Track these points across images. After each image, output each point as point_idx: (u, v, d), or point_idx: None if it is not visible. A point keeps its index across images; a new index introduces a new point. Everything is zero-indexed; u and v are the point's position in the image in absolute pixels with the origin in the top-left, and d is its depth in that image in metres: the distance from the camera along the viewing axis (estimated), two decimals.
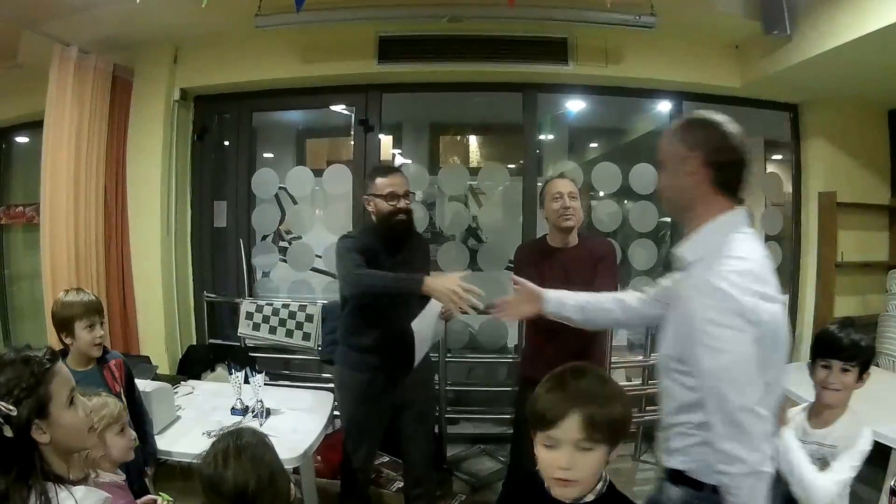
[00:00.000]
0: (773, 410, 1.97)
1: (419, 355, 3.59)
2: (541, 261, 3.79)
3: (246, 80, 5.67)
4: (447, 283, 3.08)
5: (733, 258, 1.94)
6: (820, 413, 2.69)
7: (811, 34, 4.66)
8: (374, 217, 3.60)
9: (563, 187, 3.76)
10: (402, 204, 3.54)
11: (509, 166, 6.31)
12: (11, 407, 1.72)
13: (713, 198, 2.07)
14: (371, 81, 5.73)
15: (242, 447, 2.03)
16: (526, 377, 3.74)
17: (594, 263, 3.74)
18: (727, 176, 2.06)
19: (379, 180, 3.55)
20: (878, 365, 5.04)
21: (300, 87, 5.83)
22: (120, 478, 2.54)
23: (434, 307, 3.52)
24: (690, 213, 2.13)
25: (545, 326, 3.06)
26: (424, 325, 3.54)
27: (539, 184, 4.94)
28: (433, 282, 3.14)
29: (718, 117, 2.11)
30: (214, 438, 2.14)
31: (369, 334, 3.57)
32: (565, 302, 2.72)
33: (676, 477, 2.13)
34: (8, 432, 1.72)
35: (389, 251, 3.57)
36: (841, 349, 2.64)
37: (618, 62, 5.51)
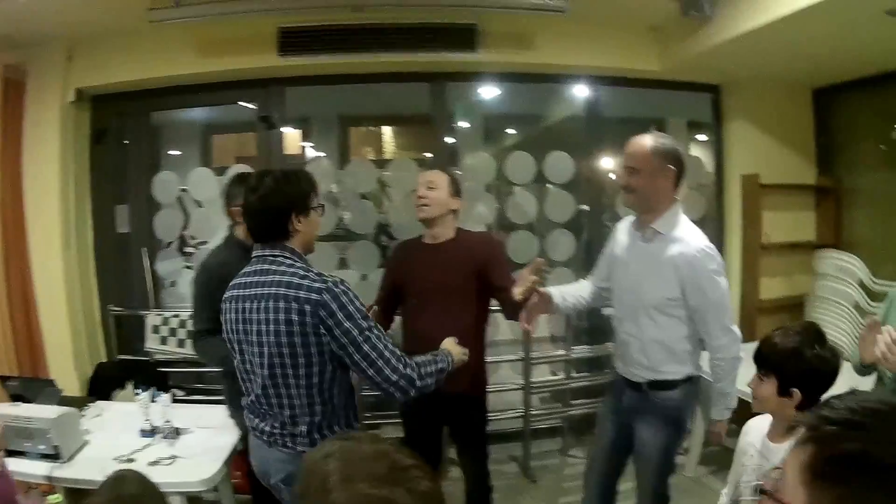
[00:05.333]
0: None
1: None
2: (411, 259, 4.04)
3: (142, 77, 5.82)
4: None
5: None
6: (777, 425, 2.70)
7: (731, 15, 4.97)
8: (241, 229, 3.89)
9: (422, 177, 4.00)
10: None
11: (426, 155, 6.62)
12: None
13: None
14: (273, 75, 5.94)
15: (124, 501, 2.09)
16: None
17: (471, 261, 3.87)
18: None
19: None
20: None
21: (199, 83, 5.98)
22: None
23: None
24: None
25: (420, 335, 3.66)
26: None
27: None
28: None
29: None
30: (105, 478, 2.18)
31: None
32: (565, 296, 3.85)
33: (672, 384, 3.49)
34: None
35: None
36: (756, 353, 2.69)
37: (529, 48, 5.80)
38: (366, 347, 2.72)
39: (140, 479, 2.25)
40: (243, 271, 2.99)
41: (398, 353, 2.83)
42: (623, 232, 3.73)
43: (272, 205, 2.87)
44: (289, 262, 2.84)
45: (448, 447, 5.06)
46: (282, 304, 2.73)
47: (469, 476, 4.21)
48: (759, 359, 2.66)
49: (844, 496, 1.10)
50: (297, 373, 2.78)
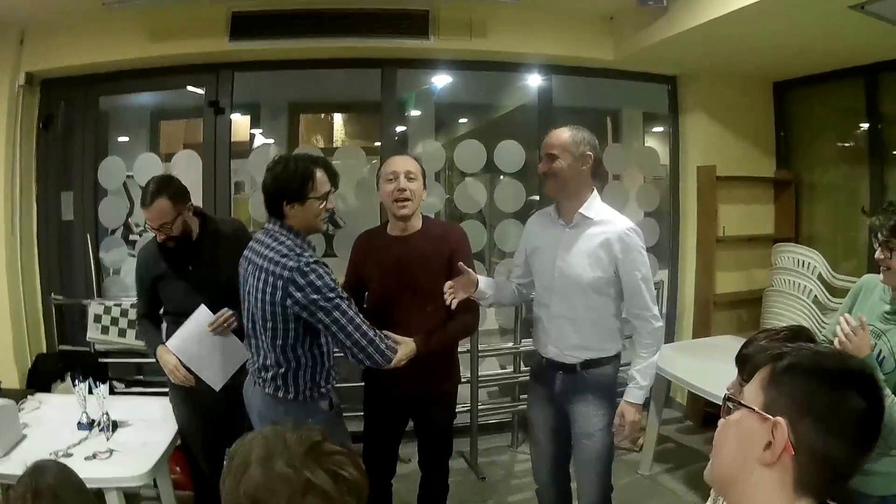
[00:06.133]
0: None
1: (207, 376, 4.03)
2: (376, 253, 3.90)
3: (93, 61, 5.85)
4: (167, 362, 4.00)
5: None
6: None
7: (688, 5, 5.04)
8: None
9: (398, 166, 3.78)
10: (162, 235, 3.91)
11: (376, 144, 6.63)
12: None
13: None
14: (222, 60, 6.00)
15: (41, 492, 2.12)
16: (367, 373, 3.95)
17: (440, 253, 3.82)
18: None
19: (143, 212, 3.92)
20: None
21: (149, 67, 6.00)
22: None
23: (195, 325, 4.00)
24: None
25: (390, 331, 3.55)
26: (191, 346, 4.00)
27: None
28: (161, 356, 4.04)
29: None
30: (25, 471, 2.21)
31: None
32: (489, 288, 3.83)
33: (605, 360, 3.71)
34: None
35: (174, 269, 4.07)
36: (739, 356, 2.56)
37: (483, 35, 5.87)
38: (336, 314, 3.15)
39: (59, 470, 2.30)
40: (255, 237, 3.52)
41: (368, 325, 3.28)
42: (539, 225, 3.95)
43: (268, 189, 3.32)
44: (281, 238, 3.25)
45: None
46: (262, 276, 3.21)
47: (428, 473, 4.21)
48: (742, 363, 2.54)
49: (797, 391, 1.41)
50: (266, 333, 3.30)
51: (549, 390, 3.83)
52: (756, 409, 1.43)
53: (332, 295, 3.13)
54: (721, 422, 1.55)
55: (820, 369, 1.42)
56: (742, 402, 1.48)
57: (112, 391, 4.41)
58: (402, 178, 3.74)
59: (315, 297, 3.11)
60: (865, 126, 6.33)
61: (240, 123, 7.42)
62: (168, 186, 3.90)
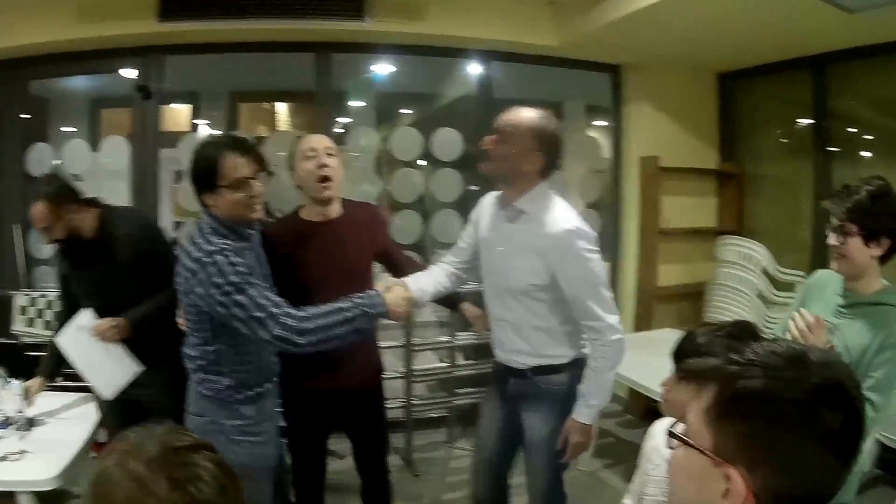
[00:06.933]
0: None
1: (96, 383, 3.98)
2: (297, 243, 3.59)
3: (19, 43, 5.67)
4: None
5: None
6: None
7: None
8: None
9: (317, 143, 3.55)
10: (49, 237, 3.78)
11: None
12: None
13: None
14: (153, 42, 5.87)
15: None
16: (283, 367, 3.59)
17: (371, 241, 3.71)
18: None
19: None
20: None
21: (79, 50, 5.89)
22: None
23: (81, 327, 3.88)
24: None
25: None
26: (77, 348, 3.93)
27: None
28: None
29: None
30: None
31: None
32: (424, 287, 3.51)
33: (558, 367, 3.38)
34: None
35: (72, 267, 4.00)
36: (676, 352, 2.41)
37: (421, 18, 5.79)
38: (243, 299, 2.91)
39: None
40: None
41: (275, 307, 2.96)
42: (487, 209, 3.56)
43: (188, 179, 3.11)
44: (202, 226, 3.09)
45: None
46: (180, 268, 3.03)
47: (368, 475, 4.03)
48: (680, 359, 2.38)
49: (747, 432, 1.19)
50: (188, 324, 3.19)
51: (503, 391, 3.60)
52: (705, 451, 1.23)
53: (229, 289, 2.89)
54: (670, 454, 1.37)
55: (775, 401, 1.18)
56: (688, 440, 1.28)
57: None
58: (323, 155, 3.49)
59: (213, 291, 2.89)
60: (811, 119, 6.26)
61: (181, 113, 7.42)
62: (45, 189, 3.74)
